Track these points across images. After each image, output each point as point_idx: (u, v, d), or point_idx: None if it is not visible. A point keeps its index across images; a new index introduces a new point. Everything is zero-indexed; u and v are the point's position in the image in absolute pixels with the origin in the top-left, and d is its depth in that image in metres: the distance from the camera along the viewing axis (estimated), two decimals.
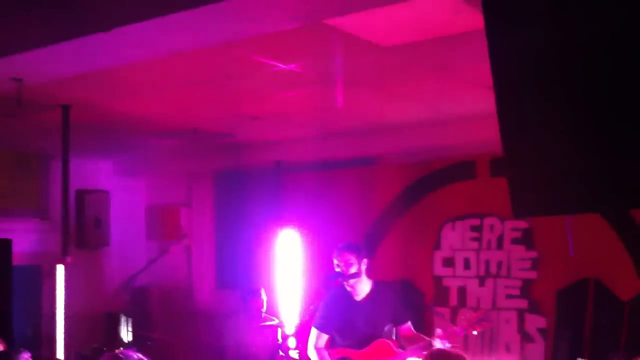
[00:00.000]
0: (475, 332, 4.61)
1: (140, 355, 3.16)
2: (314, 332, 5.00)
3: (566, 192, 1.78)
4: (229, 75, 4.57)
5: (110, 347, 4.51)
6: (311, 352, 4.97)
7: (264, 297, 6.55)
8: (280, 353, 5.67)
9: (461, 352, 3.35)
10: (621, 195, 1.71)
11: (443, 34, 3.76)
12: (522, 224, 6.50)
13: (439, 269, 6.95)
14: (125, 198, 8.80)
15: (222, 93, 5.12)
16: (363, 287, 4.86)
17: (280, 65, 4.28)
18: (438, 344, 4.50)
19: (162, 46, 3.62)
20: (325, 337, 4.97)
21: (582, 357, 4.94)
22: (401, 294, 5.01)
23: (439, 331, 4.58)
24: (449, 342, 4.53)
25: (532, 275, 6.43)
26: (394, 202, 7.21)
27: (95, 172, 8.54)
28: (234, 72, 4.48)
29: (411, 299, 6.40)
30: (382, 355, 4.67)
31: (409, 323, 4.84)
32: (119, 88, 4.90)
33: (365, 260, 4.86)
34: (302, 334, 5.39)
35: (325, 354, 4.92)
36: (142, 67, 4.26)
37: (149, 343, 6.25)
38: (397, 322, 4.79)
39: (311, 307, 5.12)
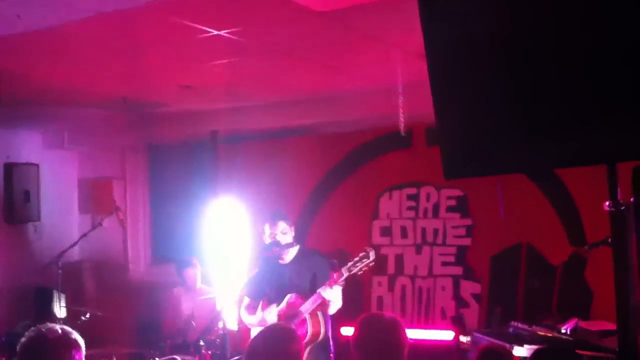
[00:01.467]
0: (360, 272, 4.64)
1: (67, 329, 3.06)
2: (245, 300, 5.13)
3: (494, 153, 1.79)
4: (158, 41, 4.43)
5: (41, 324, 4.38)
6: (244, 315, 5.04)
7: (199, 269, 6.50)
8: (219, 325, 5.65)
9: (395, 315, 3.37)
10: (546, 154, 1.73)
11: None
12: (457, 192, 6.60)
13: (377, 238, 7.01)
14: (56, 171, 8.56)
15: (152, 60, 4.97)
16: (291, 252, 4.94)
17: (212, 31, 4.16)
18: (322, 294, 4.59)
19: (86, 6, 3.46)
20: (257, 304, 5.04)
21: (515, 321, 5.05)
22: (322, 257, 5.03)
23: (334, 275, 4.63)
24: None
25: (467, 242, 6.55)
26: (332, 172, 7.22)
27: (24, 144, 8.25)
28: (163, 38, 4.34)
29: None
30: (293, 307, 4.76)
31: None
32: (42, 55, 4.69)
33: (293, 227, 4.96)
34: (238, 305, 5.39)
35: (253, 310, 5.00)
36: (65, 32, 4.08)
37: (83, 318, 6.11)
38: (318, 283, 4.85)
39: (248, 278, 5.15)
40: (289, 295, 4.81)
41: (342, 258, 4.79)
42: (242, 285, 5.42)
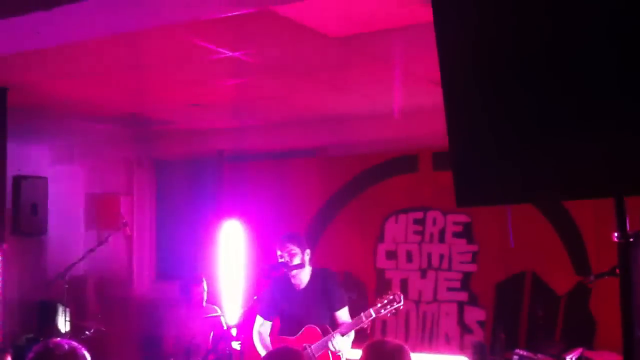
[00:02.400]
0: (388, 314, 4.62)
1: (74, 344, 3.06)
2: (258, 320, 5.05)
3: (506, 183, 1.81)
4: (171, 60, 4.48)
5: (45, 338, 4.39)
6: (255, 340, 5.01)
7: (205, 287, 6.49)
8: (223, 344, 5.63)
9: (400, 342, 3.36)
10: (555, 186, 1.75)
11: (391, 25, 3.76)
12: (464, 218, 6.59)
13: (382, 262, 6.99)
14: (64, 185, 8.60)
15: (164, 78, 5.02)
16: (304, 276, 4.90)
17: (225, 52, 4.22)
18: (337, 338, 4.56)
19: (103, 27, 3.51)
20: (268, 324, 5.02)
21: (518, 348, 5.04)
22: (337, 280, 5.02)
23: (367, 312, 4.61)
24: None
25: (472, 268, 6.53)
26: (337, 194, 7.23)
27: (33, 158, 8.31)
28: (176, 57, 4.40)
29: (352, 288, 6.43)
30: (310, 340, 4.69)
31: (346, 309, 4.87)
32: (57, 70, 4.75)
33: (308, 251, 4.89)
34: (244, 325, 5.37)
35: (268, 340, 4.95)
36: (82, 49, 4.14)
37: (87, 333, 6.11)
38: (333, 308, 4.82)
39: (254, 297, 5.12)
40: (306, 327, 4.75)
41: (349, 281, 4.77)
42: (246, 303, 5.38)
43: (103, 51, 4.28)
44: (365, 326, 4.65)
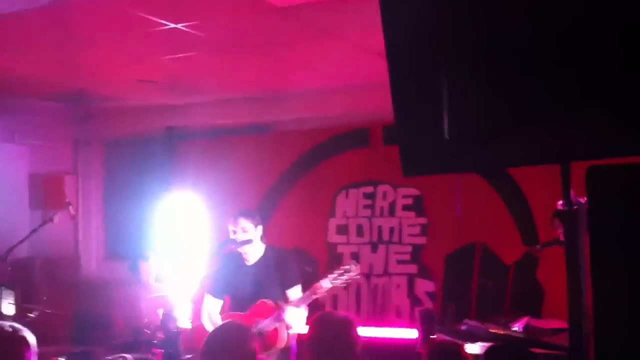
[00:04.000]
0: (344, 285, 4.61)
1: (17, 326, 2.98)
2: (207, 298, 4.98)
3: (451, 152, 1.81)
4: (113, 33, 4.34)
5: None
6: (204, 318, 4.95)
7: (153, 266, 6.41)
8: (172, 323, 5.57)
9: (347, 313, 3.36)
10: (501, 153, 1.75)
11: None
12: (414, 192, 6.63)
13: (333, 236, 7.01)
14: (6, 165, 8.35)
15: (107, 53, 4.88)
16: (256, 252, 4.85)
17: (168, 23, 4.10)
18: (291, 310, 4.53)
19: None
20: (218, 302, 4.96)
21: (468, 319, 5.10)
22: (293, 258, 4.99)
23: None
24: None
25: (422, 240, 6.59)
26: (289, 170, 7.20)
27: None
28: (118, 30, 4.26)
29: (304, 263, 6.41)
30: (262, 315, 4.66)
31: (299, 287, 4.84)
32: None
33: (260, 227, 4.85)
34: (195, 303, 5.32)
35: (216, 318, 4.89)
36: (18, 21, 3.98)
37: (32, 315, 5.97)
38: (285, 285, 4.79)
39: (205, 275, 5.07)
40: (258, 302, 4.68)
41: (301, 257, 4.75)
42: (198, 282, 5.32)
43: (43, 23, 4.12)
44: (320, 296, 4.61)
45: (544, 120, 1.68)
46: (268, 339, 4.61)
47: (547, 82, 1.67)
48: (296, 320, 4.61)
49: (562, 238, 4.46)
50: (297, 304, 4.59)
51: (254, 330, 4.47)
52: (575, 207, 1.81)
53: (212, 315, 4.93)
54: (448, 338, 4.71)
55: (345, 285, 4.60)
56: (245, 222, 4.79)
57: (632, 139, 1.58)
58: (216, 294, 4.96)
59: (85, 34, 4.37)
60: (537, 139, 1.67)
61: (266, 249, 4.89)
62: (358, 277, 4.59)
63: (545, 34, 1.66)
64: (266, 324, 4.62)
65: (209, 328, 4.87)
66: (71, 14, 3.88)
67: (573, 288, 1.81)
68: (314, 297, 4.56)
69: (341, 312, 3.40)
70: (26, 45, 4.65)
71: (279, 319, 4.58)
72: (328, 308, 6.75)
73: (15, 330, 2.95)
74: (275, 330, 4.63)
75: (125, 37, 4.46)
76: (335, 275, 4.53)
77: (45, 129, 8.10)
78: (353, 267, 4.53)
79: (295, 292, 4.79)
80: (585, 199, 1.73)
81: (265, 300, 4.70)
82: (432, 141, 1.86)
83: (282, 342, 4.62)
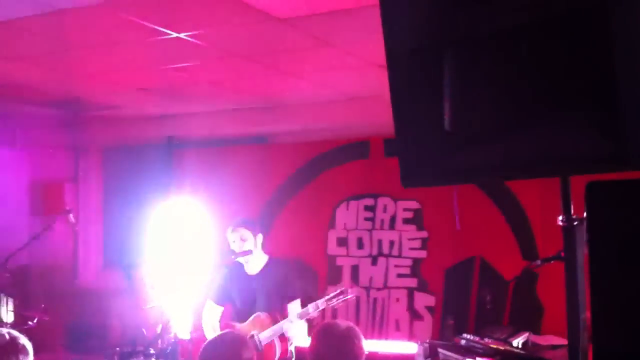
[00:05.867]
0: (335, 307, 4.65)
1: (15, 333, 2.95)
2: (207, 304, 4.98)
3: (450, 163, 1.80)
4: (115, 41, 4.33)
5: None
6: (204, 323, 4.95)
7: (151, 275, 6.39)
8: (170, 332, 5.55)
9: (351, 324, 3.33)
10: (500, 165, 1.73)
11: (339, 7, 3.70)
12: (414, 205, 6.62)
13: (333, 248, 6.99)
14: (8, 171, 8.34)
15: (108, 61, 4.87)
16: (257, 262, 4.84)
17: (171, 33, 4.10)
18: (294, 322, 4.55)
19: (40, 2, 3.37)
20: (218, 309, 4.96)
21: (467, 333, 5.08)
22: (295, 271, 5.00)
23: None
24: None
25: (422, 254, 6.57)
26: (289, 181, 7.19)
27: None
28: (120, 38, 4.25)
29: (305, 277, 6.41)
30: (259, 327, 4.65)
31: (298, 301, 4.83)
32: None
33: (260, 235, 4.84)
34: (192, 313, 5.30)
35: (216, 325, 4.89)
36: (18, 27, 3.97)
37: (30, 323, 5.94)
38: (287, 298, 4.78)
39: (203, 284, 5.06)
40: (255, 315, 4.71)
41: (300, 267, 4.76)
42: (197, 291, 5.31)
43: (45, 30, 4.11)
44: (315, 316, 4.63)
45: (543, 129, 1.66)
46: (264, 352, 4.60)
47: (545, 87, 1.66)
48: (298, 332, 4.61)
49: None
50: (293, 319, 4.59)
51: (251, 341, 4.46)
52: (575, 222, 1.79)
53: (213, 322, 4.93)
54: (448, 353, 4.69)
55: (338, 305, 4.64)
56: (243, 231, 4.79)
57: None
58: (217, 301, 4.97)
59: (86, 42, 4.37)
60: (536, 150, 1.65)
61: (269, 260, 4.87)
62: (352, 298, 4.63)
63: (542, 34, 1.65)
64: (263, 338, 4.60)
65: (208, 331, 4.88)
66: (72, 21, 3.87)
67: (572, 304, 1.80)
68: (309, 316, 4.57)
69: (345, 322, 3.37)
70: (26, 52, 4.64)
71: (279, 331, 4.57)
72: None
73: (12, 337, 2.93)
74: (272, 343, 4.62)
75: (127, 46, 4.45)
76: (330, 296, 4.55)
77: (45, 136, 8.09)
78: (349, 289, 4.59)
79: (294, 307, 4.77)
80: (585, 214, 1.72)
81: (260, 313, 4.69)
82: (431, 151, 1.85)
83: (275, 356, 4.62)
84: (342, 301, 4.55)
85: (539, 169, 1.70)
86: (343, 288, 4.62)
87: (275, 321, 4.64)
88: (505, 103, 1.69)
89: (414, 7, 1.97)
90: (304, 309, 4.60)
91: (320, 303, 4.53)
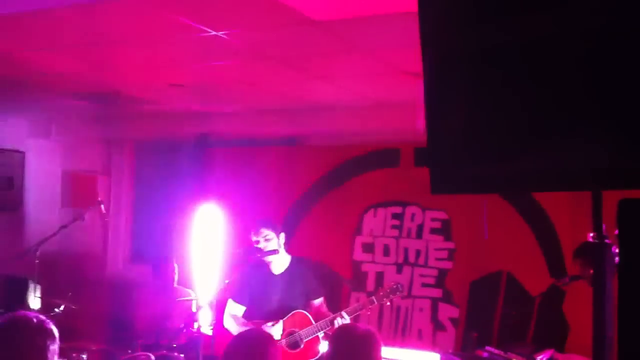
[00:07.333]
0: (388, 303, 4.66)
1: (43, 318, 3.00)
2: (230, 303, 5.04)
3: (481, 172, 1.80)
4: (153, 36, 4.38)
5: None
6: (227, 321, 4.98)
7: (175, 268, 6.43)
8: (193, 327, 5.58)
9: (370, 327, 3.32)
10: (531, 176, 1.72)
11: (377, 12, 3.69)
12: (442, 215, 6.57)
13: (359, 254, 6.96)
14: (42, 161, 8.48)
15: (145, 55, 4.92)
16: (281, 262, 4.89)
17: (210, 31, 4.13)
18: (345, 318, 4.55)
19: None
20: (241, 308, 5.00)
21: (490, 346, 5.03)
22: (318, 270, 5.02)
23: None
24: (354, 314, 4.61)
25: (448, 265, 6.52)
26: (317, 184, 7.18)
27: (11, 131, 8.17)
28: (158, 34, 4.29)
29: (329, 278, 6.42)
30: (297, 325, 4.69)
31: (322, 299, 4.86)
32: (35, 39, 4.62)
33: (282, 234, 4.89)
34: (216, 309, 5.32)
35: (242, 321, 4.91)
36: (61, 18, 4.04)
37: (57, 310, 6.02)
38: (310, 297, 4.80)
39: (227, 281, 5.09)
40: (293, 312, 4.74)
41: (320, 266, 4.78)
42: (220, 287, 5.33)
43: (83, 23, 4.17)
44: (368, 312, 4.65)
45: (577, 142, 1.64)
46: (307, 349, 4.62)
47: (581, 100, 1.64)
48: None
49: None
50: (349, 312, 4.62)
51: (290, 339, 4.52)
52: (607, 240, 1.77)
53: (236, 319, 4.95)
54: None
55: (388, 304, 4.67)
56: (266, 231, 4.85)
57: None
58: (240, 300, 5.00)
59: (125, 36, 4.42)
60: (568, 163, 1.63)
61: (291, 260, 4.93)
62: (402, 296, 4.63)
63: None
64: (305, 334, 4.63)
65: (233, 328, 4.90)
66: (111, 15, 3.92)
67: (599, 323, 1.77)
68: (360, 311, 4.60)
69: (364, 326, 3.37)
70: (65, 43, 4.70)
71: (330, 324, 4.59)
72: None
73: (41, 322, 2.97)
74: (315, 339, 4.65)
75: (164, 42, 4.50)
76: (383, 293, 4.58)
77: (80, 128, 8.20)
78: (400, 286, 4.60)
79: (318, 303, 4.83)
80: (616, 232, 1.69)
81: (299, 310, 4.73)
82: (462, 159, 1.85)
83: (318, 353, 4.64)
84: (394, 298, 4.57)
85: (570, 181, 1.68)
86: (396, 284, 4.63)
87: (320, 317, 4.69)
88: (538, 114, 1.68)
89: (449, 15, 1.96)
90: (356, 304, 4.64)
91: (376, 298, 4.56)
